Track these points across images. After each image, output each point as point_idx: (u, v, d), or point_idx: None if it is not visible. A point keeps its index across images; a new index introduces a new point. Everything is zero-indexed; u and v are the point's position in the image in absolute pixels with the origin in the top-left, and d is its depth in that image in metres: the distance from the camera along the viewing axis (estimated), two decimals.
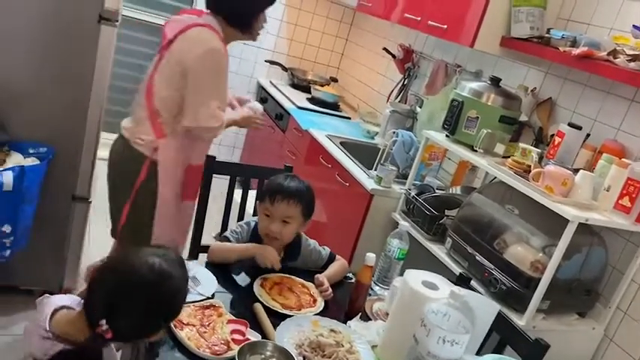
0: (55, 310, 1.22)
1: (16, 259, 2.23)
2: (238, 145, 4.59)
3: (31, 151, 2.21)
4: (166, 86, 2.04)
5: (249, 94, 4.45)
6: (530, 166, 2.06)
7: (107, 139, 4.16)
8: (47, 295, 1.30)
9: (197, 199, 2.18)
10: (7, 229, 2.04)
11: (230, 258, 1.77)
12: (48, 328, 1.17)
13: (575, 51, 2.07)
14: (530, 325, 1.89)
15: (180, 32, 2.01)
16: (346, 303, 1.71)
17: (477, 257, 2.09)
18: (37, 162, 2.16)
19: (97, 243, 2.60)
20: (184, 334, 1.33)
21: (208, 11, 2.10)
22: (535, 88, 2.57)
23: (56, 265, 2.52)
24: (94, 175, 2.49)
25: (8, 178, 2.00)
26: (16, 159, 2.13)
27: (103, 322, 1.13)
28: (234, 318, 1.46)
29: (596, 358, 2.14)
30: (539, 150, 2.17)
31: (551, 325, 1.96)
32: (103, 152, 4.37)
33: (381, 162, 2.71)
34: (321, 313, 1.61)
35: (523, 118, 2.50)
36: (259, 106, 2.44)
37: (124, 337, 1.25)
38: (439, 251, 2.29)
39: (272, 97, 4.04)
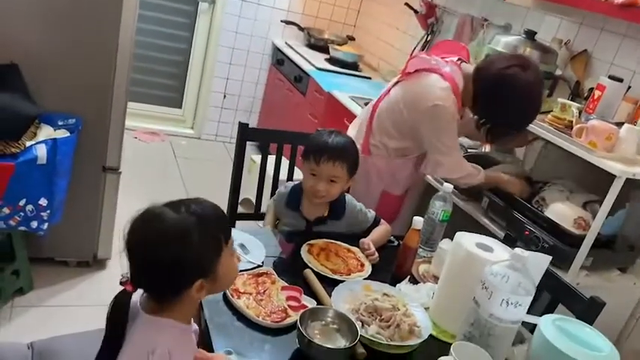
0: None
1: (51, 231, 2.23)
2: (255, 110, 4.54)
3: (60, 122, 2.19)
4: (387, 118, 2.05)
5: (264, 55, 4.37)
6: (571, 122, 2.02)
7: (133, 109, 4.18)
8: None
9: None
10: (43, 202, 2.03)
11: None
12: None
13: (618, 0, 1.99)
14: (574, 282, 1.88)
15: (418, 71, 1.99)
16: (392, 266, 1.70)
17: (516, 216, 2.07)
18: (68, 134, 2.14)
19: (129, 213, 2.60)
20: (242, 302, 1.33)
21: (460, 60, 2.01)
22: (569, 40, 2.49)
23: (89, 236, 2.54)
24: (123, 145, 2.47)
25: (42, 151, 1.98)
26: (47, 132, 2.11)
27: (126, 272, 1.07)
28: (287, 285, 1.45)
29: (636, 313, 2.14)
30: (578, 105, 2.12)
31: (593, 281, 1.95)
32: (131, 122, 4.37)
33: None
34: (369, 277, 1.60)
35: (558, 72, 2.44)
36: None
37: (151, 291, 1.10)
38: (475, 211, 2.27)
39: (289, 59, 3.96)
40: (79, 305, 2.39)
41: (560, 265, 1.91)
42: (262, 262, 1.54)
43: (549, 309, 1.57)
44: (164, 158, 4.06)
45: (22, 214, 1.99)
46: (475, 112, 2.00)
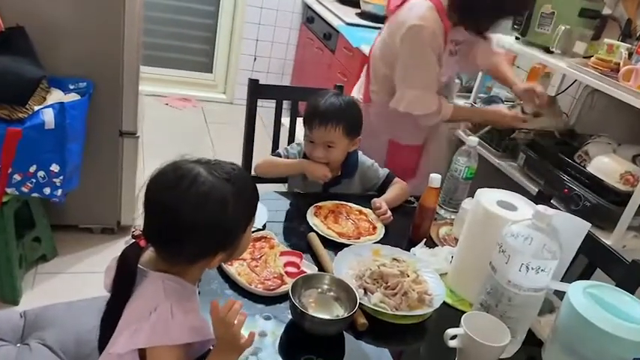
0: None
1: (73, 198, 2.21)
2: (287, 72, 4.40)
3: (71, 87, 2.13)
4: (380, 58, 1.92)
5: (294, 14, 4.19)
6: (618, 64, 1.78)
7: (147, 73, 4.10)
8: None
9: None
10: (55, 168, 1.99)
11: (277, 172, 1.74)
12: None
13: None
14: (620, 244, 1.68)
15: (403, 2, 1.84)
16: (409, 229, 1.56)
17: (555, 172, 1.86)
18: (78, 98, 2.08)
19: None
20: (234, 269, 1.23)
21: None
22: None
23: (112, 202, 2.51)
24: (140, 109, 2.40)
25: (49, 115, 1.93)
26: (57, 96, 2.06)
27: (138, 224, 0.99)
28: (287, 249, 1.34)
29: None
30: (629, 45, 1.86)
31: None
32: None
33: None
34: (382, 241, 1.47)
35: (606, 10, 2.16)
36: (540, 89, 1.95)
37: (172, 258, 1.00)
38: (510, 168, 2.07)
39: (319, 16, 3.78)
40: (103, 272, 2.37)
41: (603, 226, 1.71)
42: (263, 226, 1.43)
43: (585, 275, 1.39)
44: (195, 124, 4.00)
45: (33, 180, 1.96)
46: (458, 16, 1.77)
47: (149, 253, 1.03)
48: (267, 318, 1.14)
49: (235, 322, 0.95)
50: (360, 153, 1.74)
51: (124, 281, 1.00)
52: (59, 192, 2.05)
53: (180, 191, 0.94)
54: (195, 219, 0.93)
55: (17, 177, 1.93)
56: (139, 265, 1.01)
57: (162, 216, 0.95)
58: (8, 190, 1.94)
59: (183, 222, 0.94)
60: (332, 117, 1.58)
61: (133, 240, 0.99)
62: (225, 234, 0.98)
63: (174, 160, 0.99)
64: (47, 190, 2.01)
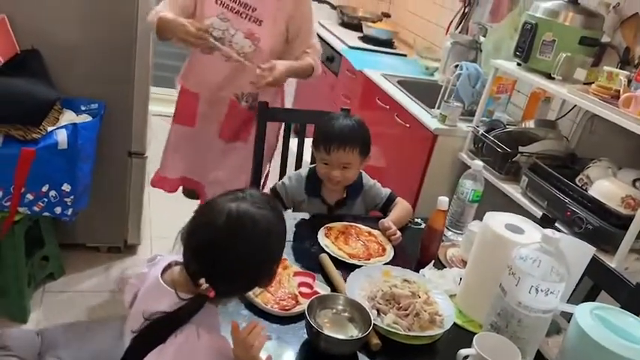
0: (168, 266, 1.10)
1: (80, 217, 2.24)
2: (290, 93, 4.45)
3: (83, 108, 2.18)
4: None
5: None
6: (618, 91, 1.83)
7: (158, 93, 4.14)
8: (161, 254, 1.19)
9: (192, 125, 2.13)
10: (66, 188, 2.02)
11: None
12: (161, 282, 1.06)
13: None
14: (622, 266, 1.72)
15: None
16: (416, 251, 1.59)
17: (557, 195, 1.91)
18: (90, 119, 2.12)
19: (158, 198, 2.58)
20: None
21: None
22: (618, 3, 2.27)
23: (119, 222, 2.53)
24: (149, 130, 2.44)
25: (62, 136, 1.97)
26: (69, 117, 2.10)
27: (202, 280, 1.00)
28: (300, 270, 1.37)
29: None
30: (627, 73, 1.92)
31: None
32: (157, 107, 4.33)
33: (445, 99, 2.51)
34: (391, 262, 1.50)
35: (605, 39, 2.23)
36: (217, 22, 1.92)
37: (229, 294, 1.08)
38: (513, 191, 2.11)
39: (321, 39, 3.83)
40: (110, 291, 2.39)
41: (606, 249, 1.74)
42: None
43: (590, 297, 1.43)
44: None
45: (45, 199, 1.99)
46: None
47: (174, 273, 1.07)
48: (269, 338, 1.14)
49: (256, 344, 0.98)
50: (363, 173, 1.79)
51: (172, 326, 1.00)
52: (70, 211, 2.08)
53: (247, 236, 1.00)
54: (264, 254, 1.03)
55: (30, 196, 1.96)
56: (166, 287, 1.04)
57: (233, 263, 1.01)
58: (20, 210, 1.97)
59: (257, 261, 1.02)
60: (350, 139, 1.63)
61: (202, 289, 0.99)
62: (279, 255, 1.08)
63: (211, 205, 1.04)
64: (58, 210, 2.04)
